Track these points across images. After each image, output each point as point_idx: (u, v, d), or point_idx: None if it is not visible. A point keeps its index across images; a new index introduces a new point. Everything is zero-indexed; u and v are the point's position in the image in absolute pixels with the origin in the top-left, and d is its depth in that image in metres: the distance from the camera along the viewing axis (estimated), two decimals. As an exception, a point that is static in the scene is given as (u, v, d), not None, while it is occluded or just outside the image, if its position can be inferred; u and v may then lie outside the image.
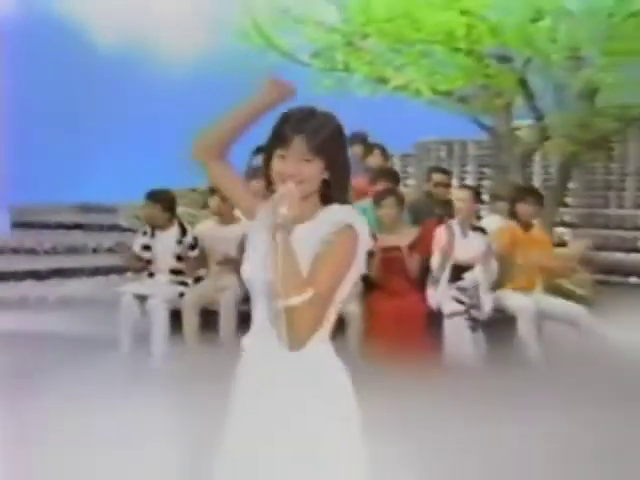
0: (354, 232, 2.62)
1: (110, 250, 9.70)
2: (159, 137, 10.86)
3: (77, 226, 10.16)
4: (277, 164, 2.64)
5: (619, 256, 10.18)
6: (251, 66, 8.99)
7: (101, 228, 10.11)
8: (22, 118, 10.65)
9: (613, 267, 10.10)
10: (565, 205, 10.03)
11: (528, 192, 7.88)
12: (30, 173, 10.41)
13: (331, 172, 2.67)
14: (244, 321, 7.00)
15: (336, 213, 2.65)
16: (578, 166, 9.73)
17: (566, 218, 10.13)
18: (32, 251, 9.58)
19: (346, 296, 2.74)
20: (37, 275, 9.17)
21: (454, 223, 7.49)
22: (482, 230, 7.59)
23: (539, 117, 9.25)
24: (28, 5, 11.23)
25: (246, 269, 2.74)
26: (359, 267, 2.66)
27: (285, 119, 2.67)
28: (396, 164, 10.25)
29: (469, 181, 10.43)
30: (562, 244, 9.67)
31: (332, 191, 2.73)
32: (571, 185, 9.95)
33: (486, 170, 10.46)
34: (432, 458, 4.47)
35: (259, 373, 2.71)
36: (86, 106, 11.13)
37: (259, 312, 2.72)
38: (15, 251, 9.60)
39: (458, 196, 7.70)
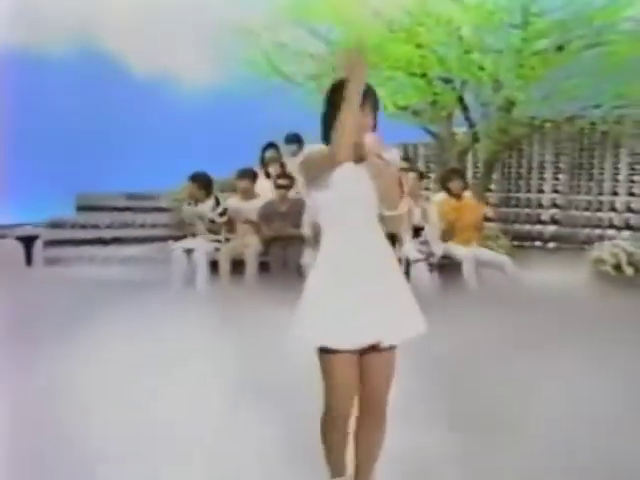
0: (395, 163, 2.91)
1: (153, 225, 9.92)
2: (184, 143, 11.07)
3: (126, 208, 10.31)
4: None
5: (527, 227, 10.19)
6: (258, 87, 9.24)
7: (144, 210, 10.27)
8: (84, 129, 10.78)
9: (524, 235, 10.23)
10: (490, 190, 10.12)
11: (455, 173, 8.17)
12: (89, 169, 10.46)
13: (374, 124, 2.91)
14: (262, 268, 7.60)
15: (393, 153, 2.91)
16: (498, 161, 9.82)
17: (490, 200, 10.26)
18: (96, 226, 9.73)
19: None
20: (102, 242, 9.42)
21: (409, 198, 7.70)
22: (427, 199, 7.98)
23: (471, 125, 9.29)
24: (83, 42, 11.37)
25: (329, 198, 2.88)
26: None
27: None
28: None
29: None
30: (488, 219, 9.70)
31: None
32: (494, 176, 10.09)
33: (432, 166, 10.52)
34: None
35: (348, 254, 2.90)
36: (131, 121, 11.13)
37: (350, 220, 2.91)
38: (83, 226, 9.76)
39: (408, 176, 7.86)
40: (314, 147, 2.95)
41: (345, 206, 2.90)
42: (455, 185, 7.94)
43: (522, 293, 7.29)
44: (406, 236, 7.70)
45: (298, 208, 7.81)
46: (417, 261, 7.58)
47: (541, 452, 3.56)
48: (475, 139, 9.38)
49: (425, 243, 7.71)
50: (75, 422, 3.82)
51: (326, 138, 2.89)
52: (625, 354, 4.76)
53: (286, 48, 9.25)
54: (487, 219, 9.56)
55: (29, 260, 8.86)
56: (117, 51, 11.44)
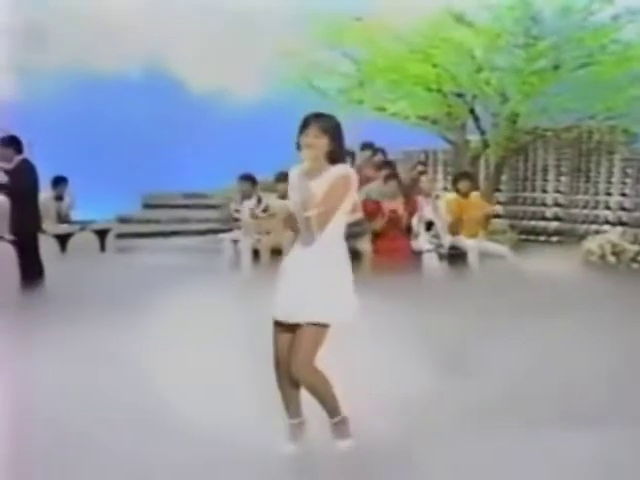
0: (346, 177, 3.29)
1: (206, 220, 10.52)
2: (233, 149, 11.29)
3: (184, 206, 10.99)
4: (302, 139, 3.30)
5: (533, 223, 10.65)
6: (296, 100, 9.48)
7: (198, 207, 10.89)
8: (149, 138, 11.30)
9: (529, 230, 10.58)
10: (499, 190, 10.53)
11: (464, 175, 8.71)
12: (153, 172, 11.08)
13: (333, 146, 3.28)
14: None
15: (337, 169, 3.30)
16: (507, 165, 10.20)
17: (500, 199, 10.61)
18: (158, 221, 10.50)
19: (348, 218, 3.45)
20: (163, 234, 10.16)
21: (422, 196, 8.36)
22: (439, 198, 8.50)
23: (482, 133, 9.69)
24: (150, 63, 12.17)
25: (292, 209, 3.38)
26: (352, 199, 3.36)
27: (306, 117, 3.33)
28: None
29: (439, 176, 10.96)
30: (497, 216, 10.31)
31: (333, 157, 3.31)
32: (503, 177, 10.44)
33: (449, 169, 10.79)
34: (415, 325, 4.97)
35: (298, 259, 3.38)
36: (189, 130, 11.61)
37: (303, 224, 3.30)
38: (148, 221, 10.55)
39: (424, 179, 8.66)
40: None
41: (298, 215, 3.36)
42: (463, 186, 8.48)
43: (518, 277, 7.80)
44: (420, 229, 8.31)
45: (328, 206, 8.50)
46: (428, 251, 8.23)
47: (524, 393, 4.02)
48: (486, 146, 9.78)
49: (436, 236, 8.33)
50: (134, 379, 4.09)
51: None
52: (602, 322, 5.08)
53: (320, 67, 9.82)
54: (497, 216, 10.18)
55: (103, 249, 9.64)
56: (178, 70, 12.19)
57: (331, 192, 3.24)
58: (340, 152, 3.37)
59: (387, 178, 8.22)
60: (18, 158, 7.21)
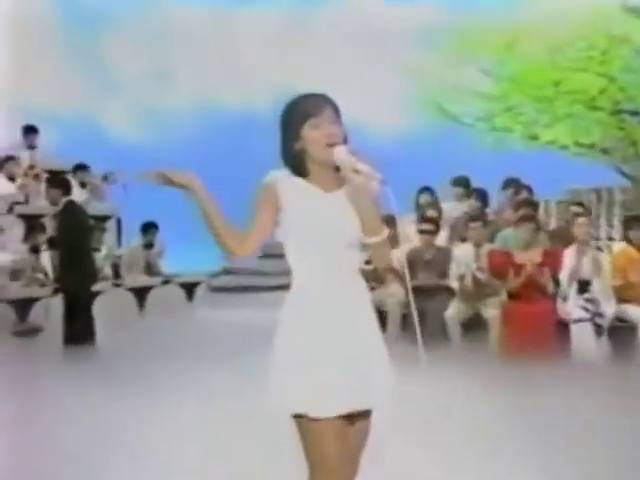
0: None
1: None
2: None
3: None
4: (313, 132, 2.25)
5: None
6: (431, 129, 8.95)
7: None
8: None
9: None
10: None
11: (636, 220, 6.99)
12: None
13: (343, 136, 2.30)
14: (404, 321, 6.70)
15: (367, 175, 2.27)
16: None
17: None
18: (269, 274, 9.24)
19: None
20: (270, 288, 8.80)
21: (576, 246, 6.66)
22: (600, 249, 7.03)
23: None
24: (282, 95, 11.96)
25: (298, 237, 2.33)
26: None
27: (304, 100, 2.31)
28: (553, 208, 9.05)
29: (615, 223, 9.03)
30: None
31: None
32: None
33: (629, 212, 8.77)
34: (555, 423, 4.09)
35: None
36: None
37: (334, 258, 2.33)
38: (255, 273, 9.50)
39: (577, 221, 6.86)
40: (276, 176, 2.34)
41: (318, 245, 2.32)
42: (636, 234, 6.72)
43: None
44: (571, 290, 6.59)
45: (444, 256, 7.10)
46: (579, 321, 6.45)
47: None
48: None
49: (592, 300, 6.55)
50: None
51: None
52: None
53: (454, 88, 8.74)
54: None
55: (190, 301, 8.95)
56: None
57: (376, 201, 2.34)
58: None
59: (520, 220, 6.79)
60: (64, 200, 6.73)
